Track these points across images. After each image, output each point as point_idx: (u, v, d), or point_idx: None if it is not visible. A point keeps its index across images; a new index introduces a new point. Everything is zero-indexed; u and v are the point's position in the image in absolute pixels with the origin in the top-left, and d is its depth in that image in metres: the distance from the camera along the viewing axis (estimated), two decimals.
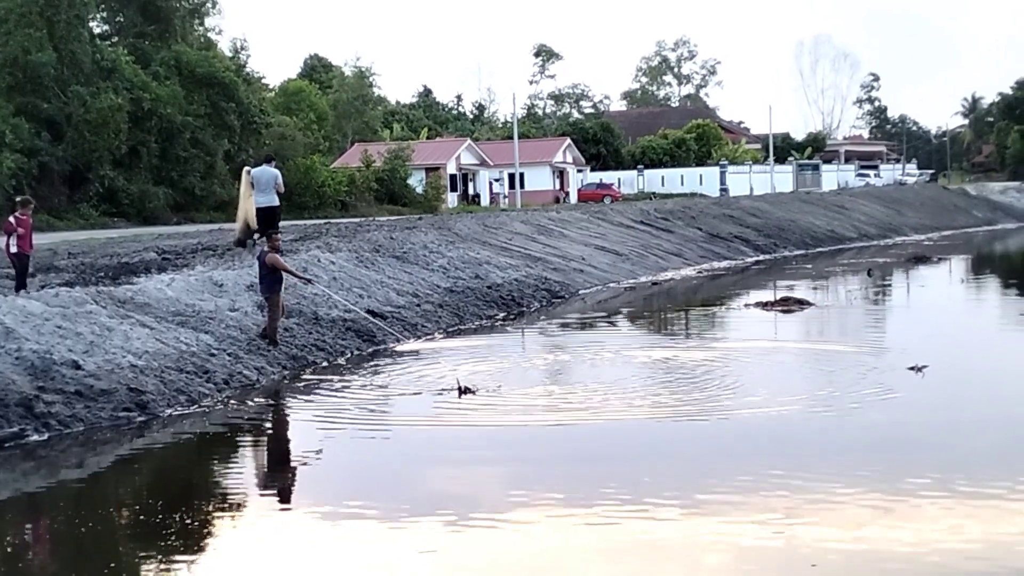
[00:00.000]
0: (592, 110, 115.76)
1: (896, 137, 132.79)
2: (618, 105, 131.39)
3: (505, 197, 68.10)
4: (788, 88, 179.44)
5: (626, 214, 42.85)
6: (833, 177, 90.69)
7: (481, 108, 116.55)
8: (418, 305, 21.46)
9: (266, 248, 16.55)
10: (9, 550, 9.08)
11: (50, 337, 13.84)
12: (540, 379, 15.91)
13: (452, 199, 65.12)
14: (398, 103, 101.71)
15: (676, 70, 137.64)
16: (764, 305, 23.93)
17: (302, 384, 15.50)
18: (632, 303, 26.92)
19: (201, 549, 8.85)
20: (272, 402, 14.67)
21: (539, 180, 71.45)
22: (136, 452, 12.24)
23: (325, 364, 16.81)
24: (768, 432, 11.96)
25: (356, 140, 75.21)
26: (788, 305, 23.67)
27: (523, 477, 10.58)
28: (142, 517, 9.90)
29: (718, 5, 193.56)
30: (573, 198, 71.72)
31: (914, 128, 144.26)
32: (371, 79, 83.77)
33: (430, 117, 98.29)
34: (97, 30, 52.53)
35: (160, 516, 9.74)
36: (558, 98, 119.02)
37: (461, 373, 15.06)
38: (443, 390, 14.31)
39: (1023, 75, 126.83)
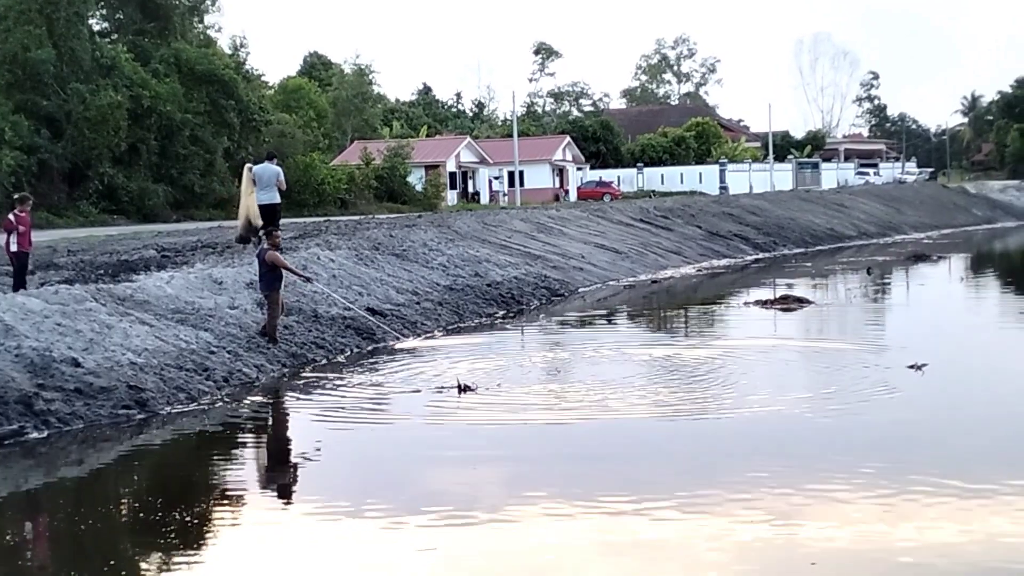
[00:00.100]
0: (592, 108, 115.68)
1: (896, 135, 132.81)
2: (618, 103, 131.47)
3: (505, 195, 68.10)
4: (788, 86, 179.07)
5: (626, 212, 42.84)
6: (833, 175, 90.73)
7: (481, 106, 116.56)
8: (418, 303, 21.46)
9: (266, 245, 16.55)
10: (9, 548, 9.08)
11: (50, 334, 13.84)
12: (540, 377, 15.90)
13: (452, 197, 65.13)
14: (398, 101, 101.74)
15: (676, 68, 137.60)
16: (764, 303, 23.94)
17: (302, 382, 15.50)
18: (632, 301, 26.91)
19: (200, 547, 8.85)
20: (272, 400, 14.68)
21: (539, 178, 71.48)
22: (136, 450, 12.23)
23: (325, 362, 16.81)
24: (768, 430, 11.96)
25: (356, 138, 75.22)
26: (788, 303, 23.67)
27: (523, 475, 10.59)
28: (141, 515, 9.90)
29: (718, 3, 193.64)
30: (573, 196, 71.72)
31: (914, 126, 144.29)
32: (371, 77, 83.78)
33: (430, 115, 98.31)
34: (96, 27, 52.53)
35: (159, 514, 9.73)
36: (558, 96, 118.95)
37: (461, 371, 15.06)
38: (443, 388, 14.31)
39: (1023, 74, 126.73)
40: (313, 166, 53.53)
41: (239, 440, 13.02)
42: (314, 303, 18.71)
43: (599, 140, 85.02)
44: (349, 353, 17.56)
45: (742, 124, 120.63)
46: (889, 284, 30.39)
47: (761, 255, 40.61)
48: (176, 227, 37.31)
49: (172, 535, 9.03)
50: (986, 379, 15.14)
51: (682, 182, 78.55)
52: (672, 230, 40.99)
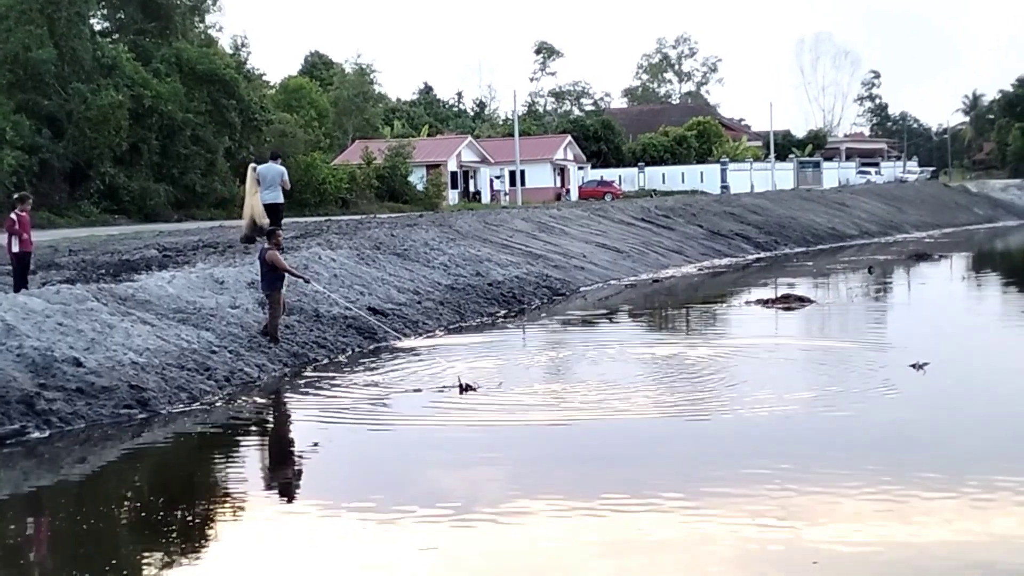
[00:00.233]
0: (593, 107, 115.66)
1: (897, 134, 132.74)
2: (619, 102, 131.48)
3: (506, 194, 68.08)
4: (789, 85, 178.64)
5: (627, 211, 42.84)
6: (834, 174, 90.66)
7: (482, 105, 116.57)
8: (419, 302, 21.47)
9: (267, 245, 16.55)
10: (11, 547, 9.08)
11: (51, 334, 13.85)
12: (541, 376, 15.91)
13: (453, 196, 65.12)
14: (399, 100, 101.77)
15: (677, 67, 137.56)
16: (765, 303, 23.93)
17: (303, 381, 15.51)
18: (633, 300, 26.91)
19: (202, 546, 8.86)
20: (273, 399, 14.68)
21: (540, 177, 71.49)
22: (137, 449, 12.25)
23: (326, 361, 16.82)
24: (769, 429, 11.96)
25: (357, 137, 75.22)
26: (789, 303, 23.68)
27: (524, 474, 10.59)
28: (143, 514, 9.91)
29: (719, 2, 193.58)
30: (574, 195, 71.72)
31: (915, 125, 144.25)
32: (372, 76, 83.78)
33: (431, 114, 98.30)
34: (98, 27, 52.52)
35: (161, 513, 9.74)
36: (559, 95, 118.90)
37: (462, 370, 15.07)
38: (444, 387, 14.31)
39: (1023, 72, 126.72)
40: (314, 166, 53.51)
41: (240, 440, 13.02)
42: (315, 302, 18.71)
43: (600, 139, 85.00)
44: (350, 352, 17.56)
45: (743, 123, 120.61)
46: (890, 283, 30.38)
47: (762, 254, 40.61)
48: (177, 227, 37.32)
49: (174, 535, 9.04)
50: (987, 378, 15.14)
51: (683, 181, 78.54)
52: (673, 229, 40.99)
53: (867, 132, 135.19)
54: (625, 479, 10.13)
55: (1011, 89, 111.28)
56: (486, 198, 68.39)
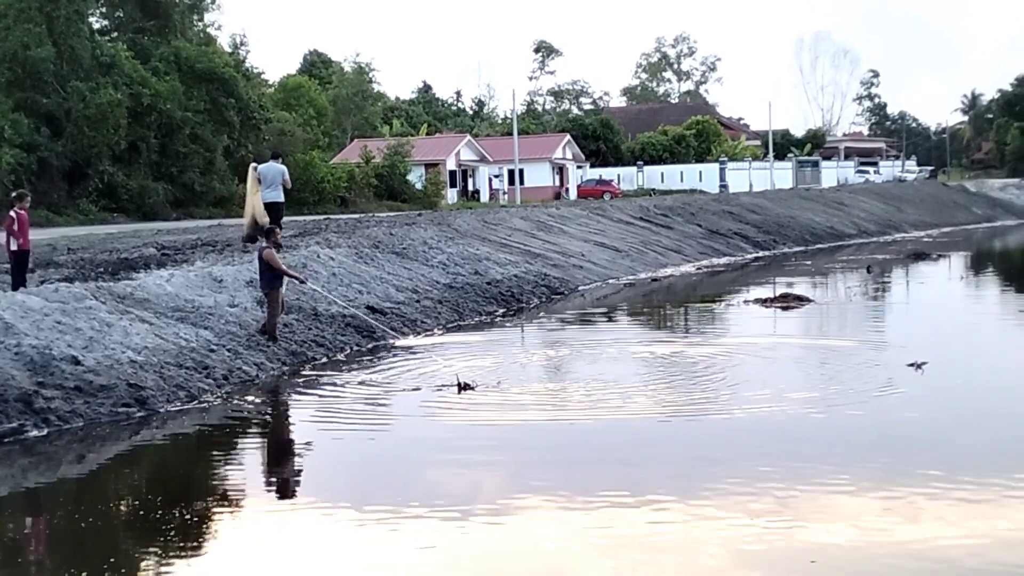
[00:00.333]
0: (592, 106, 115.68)
1: (896, 134, 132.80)
2: (618, 101, 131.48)
3: (505, 193, 68.11)
4: (788, 85, 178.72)
5: (626, 210, 42.83)
6: (833, 174, 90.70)
7: (481, 104, 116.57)
8: (417, 301, 21.46)
9: (265, 244, 16.53)
10: (9, 546, 9.08)
11: (49, 332, 13.84)
12: (539, 375, 15.91)
13: (452, 195, 65.14)
14: (398, 99, 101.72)
15: (676, 66, 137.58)
16: (764, 302, 23.93)
17: (301, 380, 15.50)
18: (632, 299, 26.92)
19: (200, 545, 8.85)
20: (271, 398, 14.68)
21: (539, 176, 71.51)
22: (135, 448, 12.24)
23: (324, 360, 16.81)
24: (767, 428, 11.96)
25: (356, 136, 75.22)
26: (787, 302, 23.67)
27: (522, 473, 10.58)
28: (141, 513, 9.90)
29: (718, 1, 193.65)
30: (573, 194, 71.74)
31: (914, 125, 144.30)
32: (371, 75, 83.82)
33: (430, 113, 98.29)
34: (96, 25, 52.53)
35: (159, 512, 9.74)
36: (558, 94, 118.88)
37: (460, 369, 15.06)
38: (442, 386, 14.31)
39: (1023, 72, 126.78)
40: (313, 164, 53.52)
41: (239, 438, 13.02)
42: (314, 301, 18.70)
43: (599, 138, 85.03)
44: (349, 351, 17.56)
45: (742, 122, 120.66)
46: (889, 282, 30.38)
47: (761, 253, 40.61)
48: (176, 225, 37.30)
49: (172, 533, 9.03)
50: (986, 378, 15.14)
51: (682, 180, 78.57)
52: (672, 228, 40.98)
53: (866, 131, 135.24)
54: (624, 478, 10.12)
55: (1010, 88, 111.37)
56: (485, 197, 68.40)
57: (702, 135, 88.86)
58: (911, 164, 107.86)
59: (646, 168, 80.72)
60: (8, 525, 9.74)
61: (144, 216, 44.57)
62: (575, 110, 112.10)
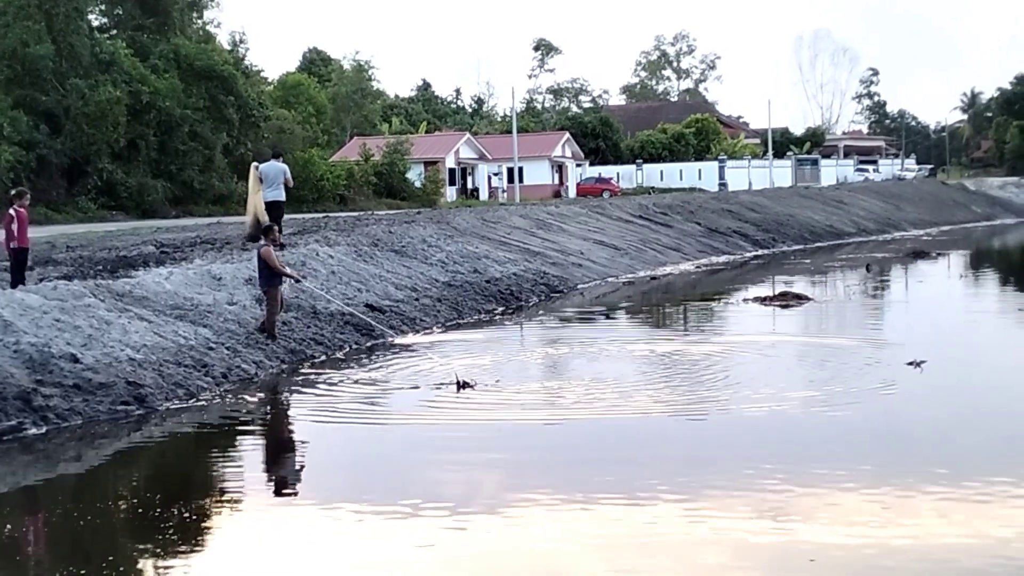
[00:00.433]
0: (591, 104, 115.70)
1: (895, 132, 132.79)
2: (617, 99, 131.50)
3: (504, 191, 68.11)
4: (787, 83, 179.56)
5: (625, 209, 42.83)
6: (832, 172, 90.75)
7: (480, 102, 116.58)
8: (416, 299, 21.46)
9: (263, 242, 16.52)
10: (7, 544, 9.07)
11: (48, 330, 13.83)
12: (538, 373, 15.91)
13: (451, 193, 65.11)
14: (397, 97, 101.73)
15: (675, 64, 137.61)
16: (763, 300, 23.93)
17: (300, 378, 15.49)
18: (631, 298, 26.92)
19: (199, 543, 8.85)
20: (270, 396, 14.67)
21: (538, 174, 71.50)
22: (134, 446, 12.23)
23: (323, 358, 16.80)
24: (766, 427, 11.96)
25: (355, 134, 75.21)
26: (786, 300, 23.67)
27: (521, 471, 10.58)
28: (140, 511, 9.90)
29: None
30: (572, 192, 71.73)
31: (913, 123, 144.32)
32: (370, 73, 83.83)
33: (429, 111, 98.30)
34: (96, 23, 52.49)
35: (158, 510, 9.73)
36: (557, 92, 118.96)
37: (459, 367, 15.06)
38: (441, 384, 14.30)
39: (1022, 70, 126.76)
40: (312, 162, 53.49)
41: (237, 436, 13.01)
42: (313, 299, 18.70)
43: (598, 136, 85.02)
44: (348, 349, 17.56)
45: (741, 121, 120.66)
46: (888, 281, 30.38)
47: (760, 252, 40.60)
48: (175, 223, 37.28)
49: (170, 531, 9.03)
50: (985, 376, 15.14)
51: (681, 179, 78.59)
52: (671, 227, 40.98)
53: (865, 130, 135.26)
54: (622, 477, 10.12)
55: (1009, 87, 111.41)
56: (484, 195, 68.39)
57: (701, 133, 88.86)
58: (910, 162, 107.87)
59: (645, 166, 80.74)
60: (7, 523, 9.73)
61: (143, 214, 44.55)
62: (574, 108, 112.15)
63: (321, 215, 39.37)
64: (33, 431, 12.08)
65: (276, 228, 17.75)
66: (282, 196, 22.23)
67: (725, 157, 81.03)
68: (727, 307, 24.36)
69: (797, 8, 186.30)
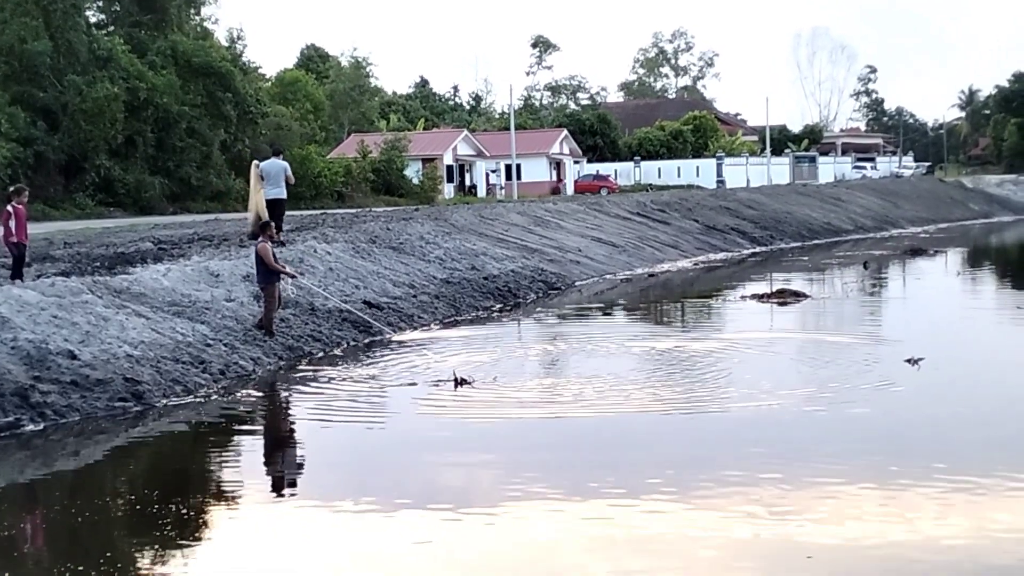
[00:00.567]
0: (589, 101, 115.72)
1: (893, 129, 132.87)
2: (615, 97, 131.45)
3: (502, 188, 68.10)
4: (785, 80, 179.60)
5: (623, 206, 42.83)
6: (830, 169, 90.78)
7: (478, 99, 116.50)
8: (414, 296, 21.46)
9: (261, 239, 16.51)
10: (5, 540, 9.07)
11: (46, 327, 13.83)
12: (536, 371, 15.91)
13: (449, 190, 65.08)
14: (395, 94, 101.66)
15: (673, 62, 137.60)
16: (760, 297, 23.94)
17: (298, 375, 15.49)
18: (628, 295, 26.92)
19: (196, 539, 8.85)
20: (268, 393, 14.66)
21: (536, 171, 71.48)
22: (132, 442, 12.23)
23: (321, 355, 16.80)
24: (763, 424, 11.97)
25: (353, 131, 75.14)
26: (784, 297, 23.69)
27: (518, 469, 10.58)
28: (138, 507, 9.89)
29: None
30: (570, 189, 71.72)
31: (911, 120, 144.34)
32: (368, 69, 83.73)
33: (427, 108, 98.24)
34: (93, 19, 52.43)
35: (155, 506, 9.73)
36: (555, 89, 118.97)
37: (457, 364, 15.05)
38: (439, 381, 14.30)
39: (1020, 68, 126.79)
40: (310, 159, 53.44)
41: (235, 433, 13.00)
42: (311, 296, 18.70)
43: (596, 133, 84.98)
44: (346, 346, 17.56)
45: (739, 118, 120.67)
46: (886, 278, 30.40)
47: (758, 249, 40.62)
48: (172, 219, 37.26)
49: (168, 528, 9.02)
50: (982, 374, 15.14)
51: (679, 176, 78.54)
52: (669, 224, 40.99)
53: (863, 127, 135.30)
54: (620, 474, 10.12)
55: (1007, 84, 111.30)
56: (482, 192, 68.38)
57: (699, 130, 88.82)
58: (908, 160, 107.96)
59: (643, 163, 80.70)
60: (4, 519, 9.72)
61: (141, 210, 44.50)
62: (572, 105, 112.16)
63: (319, 212, 39.38)
64: (31, 428, 12.08)
65: (272, 225, 17.75)
66: (283, 194, 22.29)
67: (723, 154, 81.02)
68: (725, 304, 24.37)
69: (795, 5, 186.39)
